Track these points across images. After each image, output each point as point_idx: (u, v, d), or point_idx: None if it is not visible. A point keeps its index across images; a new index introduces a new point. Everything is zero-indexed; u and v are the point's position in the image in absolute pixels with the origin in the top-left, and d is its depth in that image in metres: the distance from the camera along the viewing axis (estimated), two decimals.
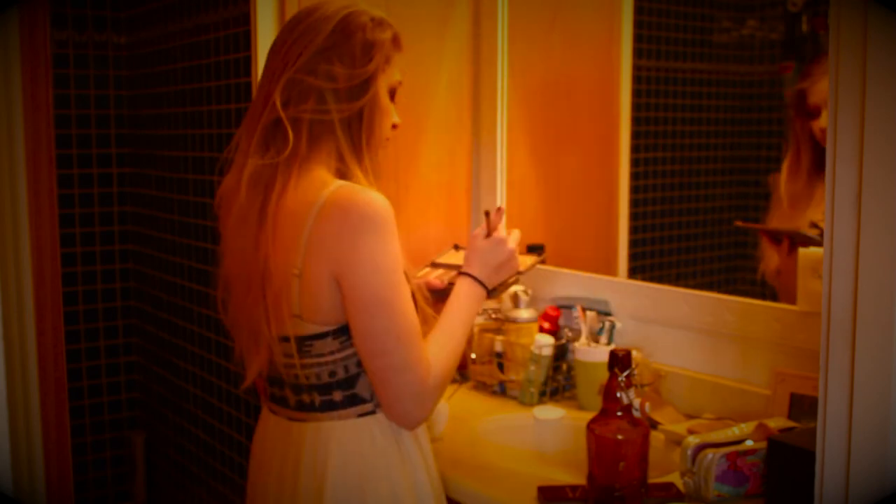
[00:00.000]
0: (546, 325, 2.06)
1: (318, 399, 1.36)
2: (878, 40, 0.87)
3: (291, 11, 2.10)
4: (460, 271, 1.50)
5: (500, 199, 2.37)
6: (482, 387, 2.08)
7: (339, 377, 1.34)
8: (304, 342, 1.33)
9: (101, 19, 2.97)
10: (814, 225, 1.81)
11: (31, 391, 1.73)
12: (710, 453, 1.41)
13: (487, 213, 1.55)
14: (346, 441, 1.34)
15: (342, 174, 1.34)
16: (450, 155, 2.38)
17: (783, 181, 1.89)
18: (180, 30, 2.53)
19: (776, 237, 1.88)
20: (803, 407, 1.62)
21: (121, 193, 3.03)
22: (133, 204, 3.02)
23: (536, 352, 1.95)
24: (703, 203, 2.26)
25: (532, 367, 1.95)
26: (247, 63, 2.15)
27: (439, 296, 1.56)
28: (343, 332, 1.32)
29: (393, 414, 1.33)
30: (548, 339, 1.97)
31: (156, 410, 2.94)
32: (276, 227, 1.31)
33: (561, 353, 2.00)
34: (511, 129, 2.36)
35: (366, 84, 1.34)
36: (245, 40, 2.16)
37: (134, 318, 3.07)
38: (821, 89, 1.83)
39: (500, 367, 2.04)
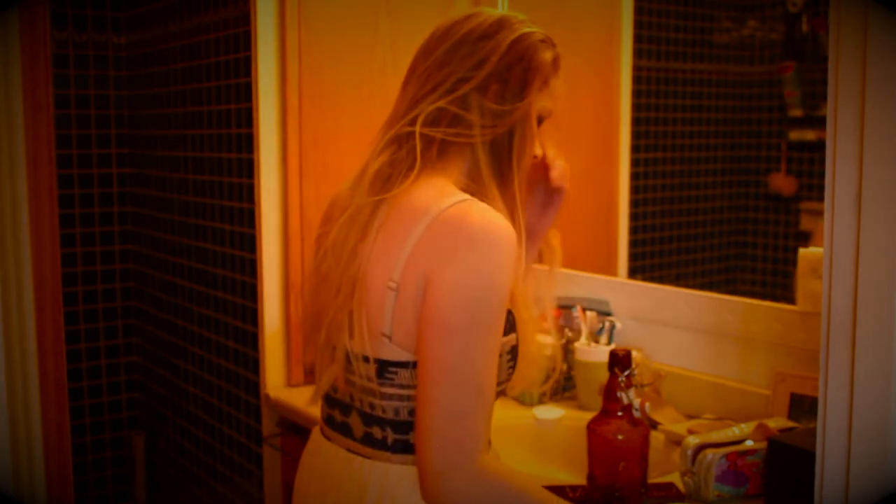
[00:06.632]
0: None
1: (391, 437, 1.18)
2: (878, 40, 0.87)
3: (292, 11, 2.10)
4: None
5: None
6: None
7: None
8: (387, 368, 1.15)
9: (101, 19, 2.96)
10: None
11: (31, 391, 1.72)
12: (710, 453, 1.41)
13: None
14: (418, 492, 1.12)
15: (470, 192, 1.17)
16: None
17: None
18: (180, 30, 2.53)
19: None
20: (803, 407, 1.62)
21: (121, 193, 3.03)
22: (133, 204, 3.01)
23: None
24: (703, 203, 2.26)
25: None
26: (247, 63, 2.15)
27: None
28: None
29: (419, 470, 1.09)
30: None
31: (156, 410, 2.94)
32: (380, 235, 1.16)
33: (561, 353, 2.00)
34: None
35: (517, 112, 1.21)
36: (245, 40, 2.16)
37: (134, 318, 3.07)
38: None
39: None
